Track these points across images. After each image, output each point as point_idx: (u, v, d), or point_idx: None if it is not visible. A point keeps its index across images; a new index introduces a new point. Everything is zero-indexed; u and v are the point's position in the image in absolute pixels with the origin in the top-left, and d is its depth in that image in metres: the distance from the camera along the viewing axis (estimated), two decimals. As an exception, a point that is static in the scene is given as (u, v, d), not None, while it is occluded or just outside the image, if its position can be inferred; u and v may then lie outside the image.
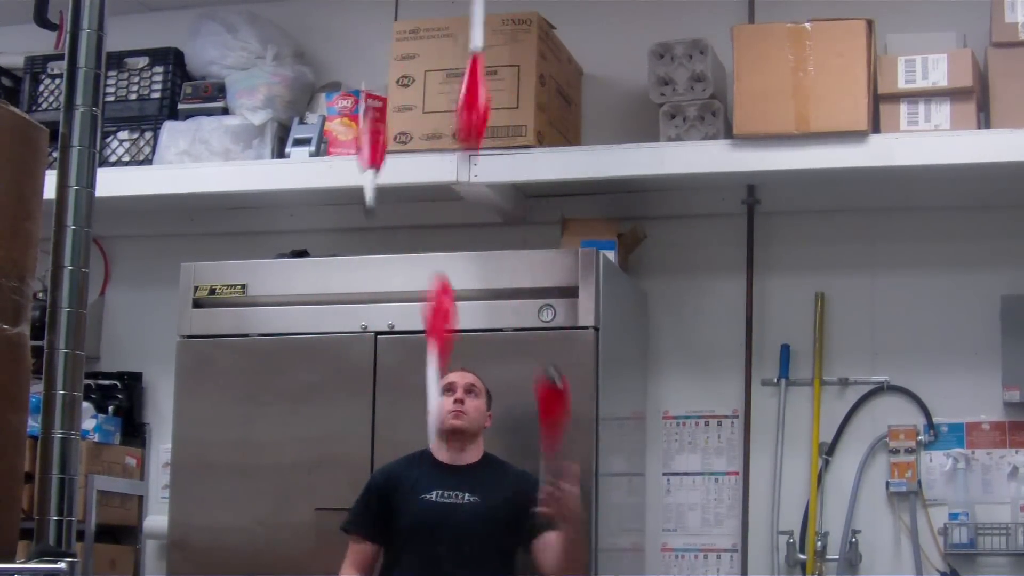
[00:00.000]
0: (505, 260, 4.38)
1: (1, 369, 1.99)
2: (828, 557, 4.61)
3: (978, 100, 4.35)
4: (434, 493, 3.85)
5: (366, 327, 4.36)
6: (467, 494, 3.86)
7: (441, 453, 3.92)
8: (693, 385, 4.86)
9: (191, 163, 4.97)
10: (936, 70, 4.33)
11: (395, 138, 4.67)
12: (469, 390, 3.92)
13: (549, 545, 3.78)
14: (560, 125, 4.77)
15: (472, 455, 3.93)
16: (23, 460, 2.06)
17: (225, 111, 5.10)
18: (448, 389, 3.91)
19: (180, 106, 5.17)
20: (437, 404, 3.79)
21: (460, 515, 3.83)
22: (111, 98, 5.15)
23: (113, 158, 5.11)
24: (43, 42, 5.14)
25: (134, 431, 5.27)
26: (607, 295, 4.25)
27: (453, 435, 3.90)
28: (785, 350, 4.78)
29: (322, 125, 4.90)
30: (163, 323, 4.83)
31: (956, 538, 4.49)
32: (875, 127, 4.35)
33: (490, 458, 3.97)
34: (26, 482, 2.04)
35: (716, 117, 4.54)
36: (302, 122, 4.99)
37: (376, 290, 4.41)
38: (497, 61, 4.58)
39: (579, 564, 3.87)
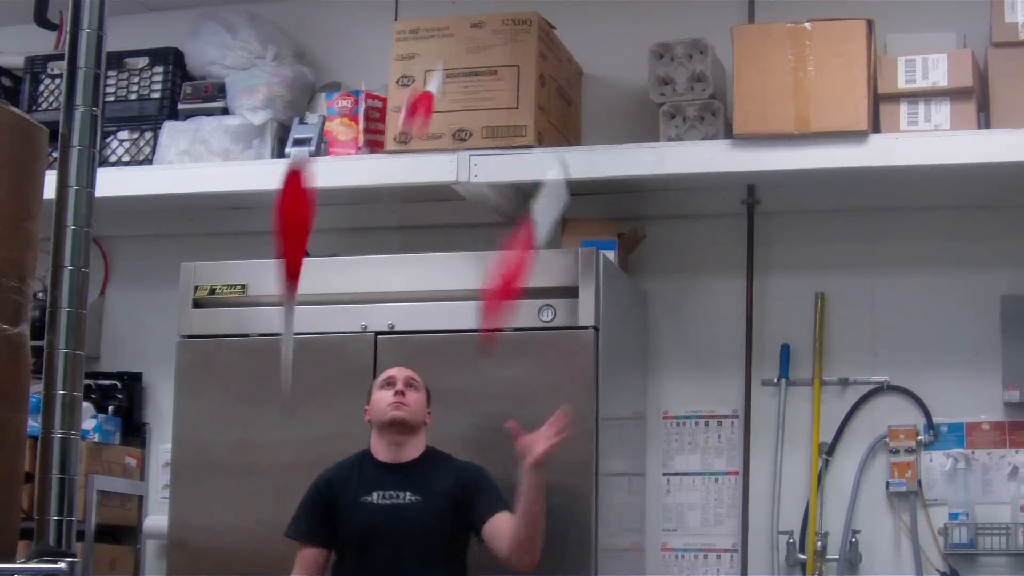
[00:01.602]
0: (505, 260, 4.38)
1: (1, 369, 1.99)
2: (828, 557, 4.61)
3: (978, 100, 4.35)
4: (375, 495, 3.81)
5: (366, 327, 4.36)
6: (408, 493, 3.81)
7: (380, 451, 3.89)
8: (693, 385, 4.86)
9: (191, 163, 4.97)
10: (936, 70, 4.33)
11: (395, 138, 4.67)
12: (409, 384, 3.90)
13: (504, 526, 3.73)
14: (560, 125, 4.77)
15: (413, 451, 3.89)
16: (23, 460, 2.06)
17: (225, 111, 5.10)
18: (388, 383, 3.91)
19: (180, 106, 5.17)
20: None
21: (402, 516, 3.79)
22: (111, 98, 5.15)
23: (113, 158, 5.11)
24: (43, 42, 5.14)
25: (134, 431, 5.27)
26: (607, 295, 4.25)
27: (394, 428, 3.87)
28: (785, 350, 4.78)
29: (322, 125, 4.90)
30: (163, 323, 4.83)
31: (956, 538, 4.49)
32: (875, 127, 4.35)
33: (432, 452, 3.94)
34: (26, 482, 2.04)
35: (716, 117, 4.55)
36: (302, 122, 4.99)
37: (376, 290, 4.41)
38: (497, 61, 4.58)
39: (537, 542, 3.75)
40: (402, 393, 3.87)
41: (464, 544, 3.86)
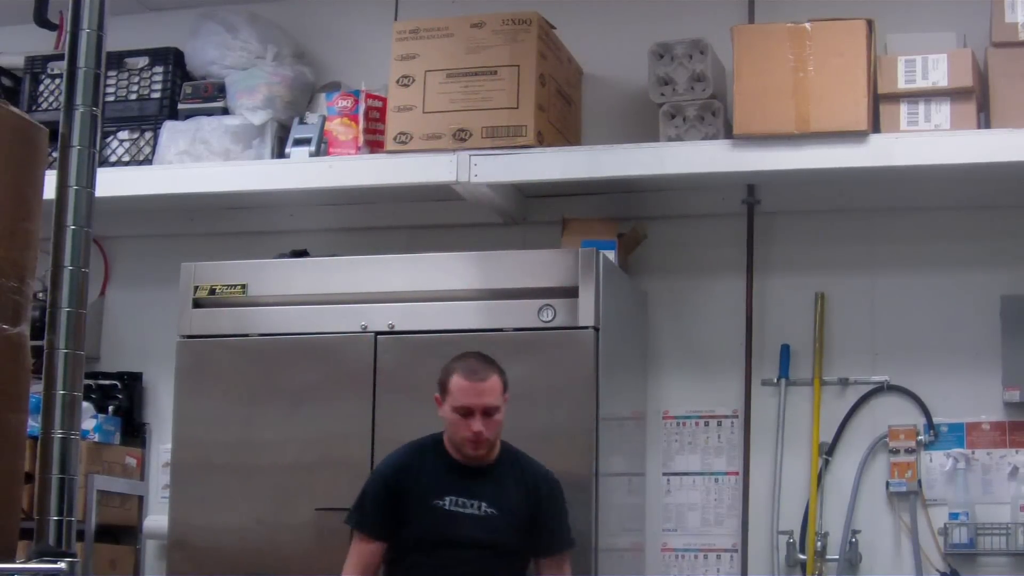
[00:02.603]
0: (505, 260, 4.38)
1: (1, 369, 1.99)
2: (828, 557, 4.60)
3: (978, 100, 4.35)
4: (447, 500, 3.67)
5: (366, 327, 4.36)
6: (483, 503, 3.68)
7: (456, 451, 3.74)
8: (693, 385, 4.86)
9: (191, 163, 4.97)
10: (936, 70, 4.33)
11: (395, 138, 4.67)
12: (487, 412, 3.65)
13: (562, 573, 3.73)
14: (560, 125, 4.77)
15: (489, 455, 3.75)
16: (23, 460, 2.06)
17: (225, 111, 5.10)
18: (465, 412, 3.66)
19: (180, 106, 5.17)
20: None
21: (474, 528, 3.66)
22: (111, 98, 5.15)
23: (113, 158, 5.11)
24: (43, 42, 5.13)
25: (134, 431, 5.27)
26: (607, 295, 4.25)
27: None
28: (785, 350, 4.78)
29: (322, 125, 4.90)
30: (163, 323, 4.83)
31: (956, 538, 4.49)
32: (875, 127, 4.35)
33: (508, 454, 3.78)
34: (26, 482, 2.04)
35: (716, 117, 4.55)
36: (302, 122, 4.99)
37: (376, 290, 4.41)
38: (497, 61, 4.58)
39: None
40: (480, 432, 3.65)
41: (528, 560, 3.80)
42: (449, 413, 3.70)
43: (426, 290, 4.37)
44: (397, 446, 3.99)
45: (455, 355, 3.80)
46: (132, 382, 5.30)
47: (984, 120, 4.37)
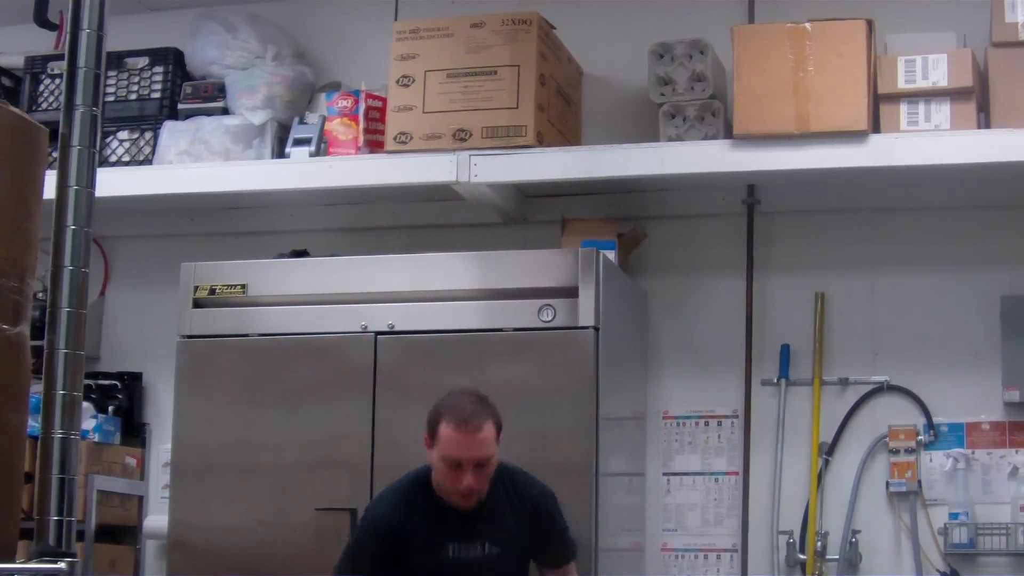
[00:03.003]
0: (505, 260, 4.38)
1: (1, 369, 1.99)
2: (828, 557, 4.61)
3: (978, 100, 4.35)
4: (451, 548, 3.55)
5: (366, 327, 4.36)
6: (487, 542, 3.58)
7: (446, 496, 3.58)
8: (693, 385, 4.86)
9: (191, 163, 4.97)
10: (936, 70, 4.33)
11: (395, 138, 4.67)
12: (479, 464, 3.47)
13: None
14: (560, 125, 4.77)
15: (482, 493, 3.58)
16: (23, 460, 2.06)
17: (225, 111, 5.10)
18: (455, 464, 3.46)
19: (180, 106, 5.16)
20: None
21: (482, 572, 3.56)
22: (111, 98, 5.15)
23: (113, 158, 5.11)
24: (43, 42, 5.14)
25: (134, 431, 5.27)
26: (607, 295, 4.25)
27: None
28: (785, 350, 4.78)
29: (322, 125, 4.90)
30: (163, 323, 4.83)
31: (956, 538, 4.49)
32: (875, 127, 4.35)
33: (500, 477, 3.61)
34: (26, 482, 2.04)
35: (716, 117, 4.55)
36: (302, 122, 4.99)
37: (376, 290, 4.41)
38: (497, 61, 4.58)
39: None
40: (471, 486, 3.47)
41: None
42: (437, 461, 3.51)
43: (426, 290, 4.37)
44: (397, 446, 3.98)
45: (446, 394, 3.60)
46: (132, 382, 5.30)
47: (984, 120, 4.37)
